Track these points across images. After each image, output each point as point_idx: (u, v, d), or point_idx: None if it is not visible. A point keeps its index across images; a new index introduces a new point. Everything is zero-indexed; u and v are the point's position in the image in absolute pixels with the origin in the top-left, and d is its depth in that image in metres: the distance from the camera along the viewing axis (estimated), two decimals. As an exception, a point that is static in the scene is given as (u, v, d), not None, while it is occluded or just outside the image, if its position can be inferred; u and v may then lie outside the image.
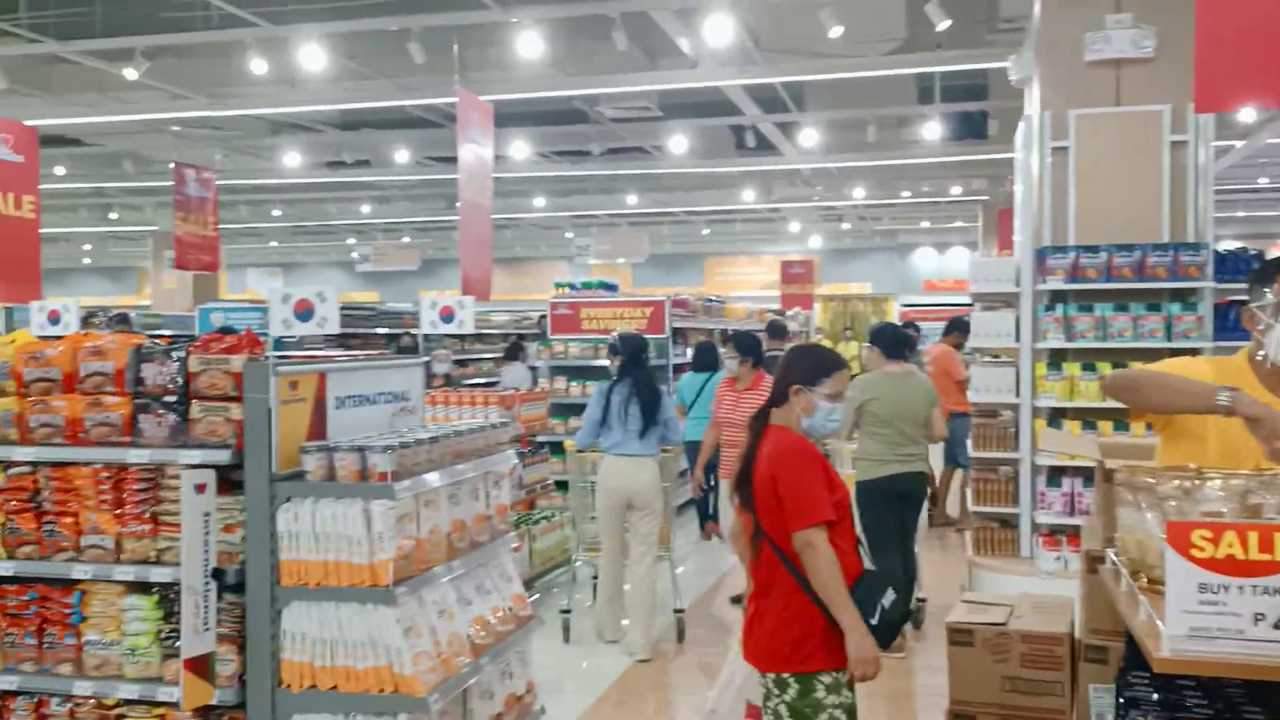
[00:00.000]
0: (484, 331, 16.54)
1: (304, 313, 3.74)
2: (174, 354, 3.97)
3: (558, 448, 9.99)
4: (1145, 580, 2.52)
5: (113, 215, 20.46)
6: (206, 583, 3.74)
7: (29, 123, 9.34)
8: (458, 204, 8.67)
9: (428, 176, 16.86)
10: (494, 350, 16.18)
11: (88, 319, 10.71)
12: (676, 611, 7.26)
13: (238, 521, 3.89)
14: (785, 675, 3.48)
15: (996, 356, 7.84)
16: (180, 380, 3.95)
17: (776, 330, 12.79)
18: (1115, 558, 2.72)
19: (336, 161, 16.42)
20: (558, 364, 10.85)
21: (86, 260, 30.52)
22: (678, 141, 13.53)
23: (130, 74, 9.09)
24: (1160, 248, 6.63)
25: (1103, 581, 2.94)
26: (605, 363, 10.62)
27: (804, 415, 3.72)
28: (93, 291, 31.24)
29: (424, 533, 4.03)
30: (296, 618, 3.83)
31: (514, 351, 14.44)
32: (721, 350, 8.50)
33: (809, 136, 13.40)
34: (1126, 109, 6.96)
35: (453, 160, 15.58)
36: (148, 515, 3.97)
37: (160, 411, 3.94)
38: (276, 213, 20.41)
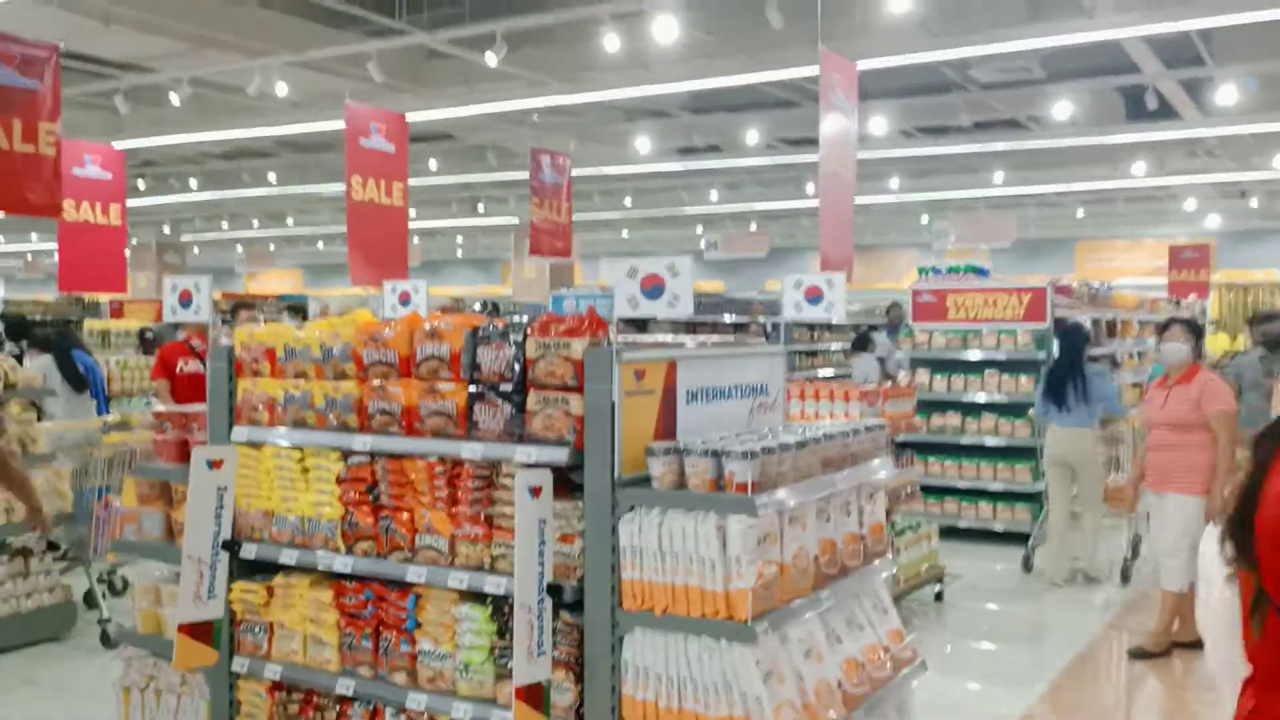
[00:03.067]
0: (833, 322, 15.72)
1: (652, 289, 3.13)
2: (511, 337, 3.52)
3: (922, 448, 9.02)
4: None
5: (480, 208, 21.60)
6: (541, 599, 3.24)
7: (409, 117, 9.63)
8: (809, 187, 7.97)
9: (779, 160, 16.26)
10: (842, 340, 15.35)
11: (448, 308, 11.04)
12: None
13: (576, 531, 3.38)
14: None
15: None
16: (517, 367, 3.49)
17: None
18: None
19: (687, 148, 16.21)
20: (920, 356, 9.84)
21: (459, 252, 32.83)
22: (1061, 108, 11.96)
23: (491, 59, 9.13)
24: None
25: None
26: (974, 354, 9.50)
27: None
28: (464, 281, 33.56)
29: (788, 556, 3.34)
30: (640, 648, 3.26)
31: (862, 342, 13.53)
32: (1152, 340, 8.29)
33: (1226, 94, 11.36)
34: None
35: (805, 143, 14.93)
36: (482, 517, 3.54)
37: (495, 401, 3.50)
38: (628, 202, 20.66)
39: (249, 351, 4.06)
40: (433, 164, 15.46)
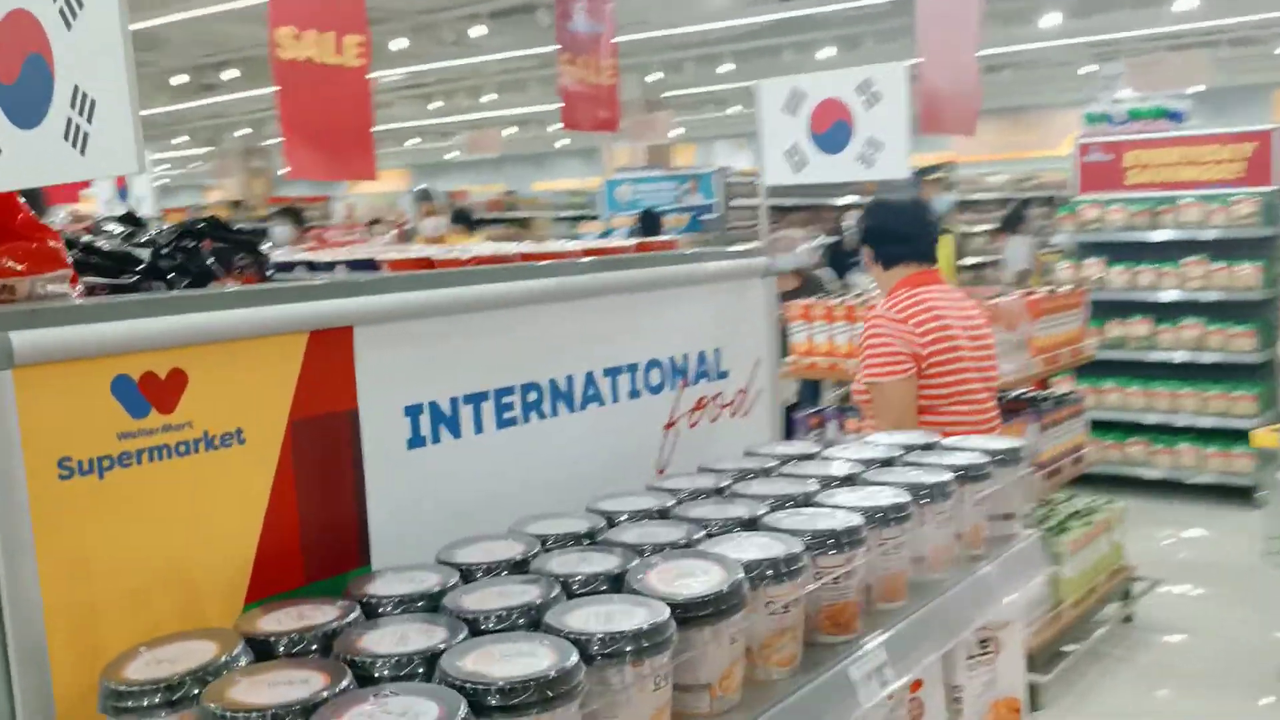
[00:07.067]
0: (973, 197, 12.88)
1: (831, 132, 3.10)
2: None
3: (1092, 369, 6.34)
4: None
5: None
6: None
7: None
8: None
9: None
10: (985, 219, 12.52)
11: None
12: None
13: None
14: None
15: None
16: None
17: None
18: None
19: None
20: (1089, 238, 7.04)
21: (557, 143, 30.43)
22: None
23: None
24: None
25: None
26: (1168, 234, 6.65)
27: None
28: (569, 174, 31.09)
29: None
30: None
31: (1013, 221, 10.79)
32: None
33: None
34: None
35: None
36: None
37: None
38: (724, 69, 17.71)
39: None
40: (473, 32, 12.93)
